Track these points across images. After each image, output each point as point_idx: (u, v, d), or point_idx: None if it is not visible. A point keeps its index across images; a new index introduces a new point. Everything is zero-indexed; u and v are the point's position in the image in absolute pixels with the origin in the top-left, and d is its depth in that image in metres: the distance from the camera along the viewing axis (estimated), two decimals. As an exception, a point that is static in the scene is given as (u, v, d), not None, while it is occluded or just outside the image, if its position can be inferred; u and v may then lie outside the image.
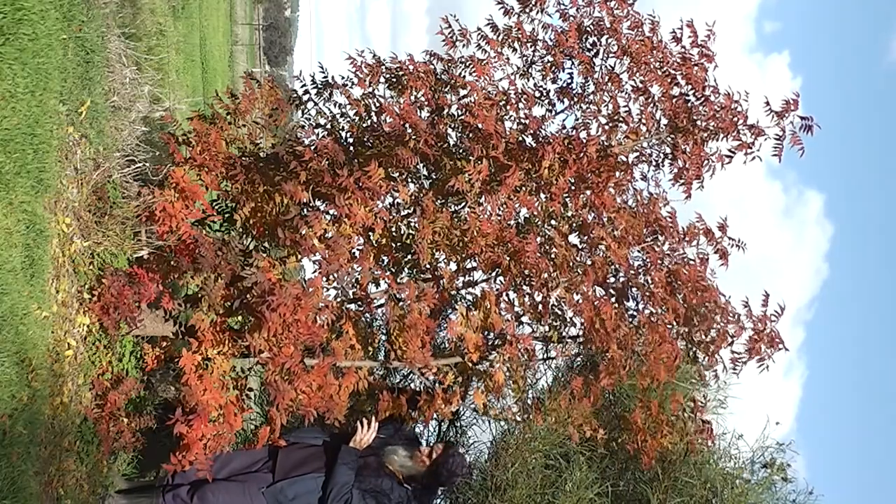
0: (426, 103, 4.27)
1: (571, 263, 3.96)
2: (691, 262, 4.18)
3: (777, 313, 4.19)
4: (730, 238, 4.24)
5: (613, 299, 4.14)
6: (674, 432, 4.22)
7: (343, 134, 4.53)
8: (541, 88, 4.45)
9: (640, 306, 4.15)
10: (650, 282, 4.05)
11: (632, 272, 4.08)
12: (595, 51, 4.34)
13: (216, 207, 4.66)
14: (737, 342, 4.19)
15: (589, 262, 4.02)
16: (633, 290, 4.14)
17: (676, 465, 4.53)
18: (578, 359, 4.92)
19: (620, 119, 4.21)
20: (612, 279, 4.20)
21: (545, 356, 4.49)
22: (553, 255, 3.95)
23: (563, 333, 4.26)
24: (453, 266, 4.26)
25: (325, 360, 3.91)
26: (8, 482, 3.36)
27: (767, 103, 4.08)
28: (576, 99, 4.39)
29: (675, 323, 4.04)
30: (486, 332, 4.14)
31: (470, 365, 4.16)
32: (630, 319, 4.08)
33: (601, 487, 4.45)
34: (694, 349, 4.22)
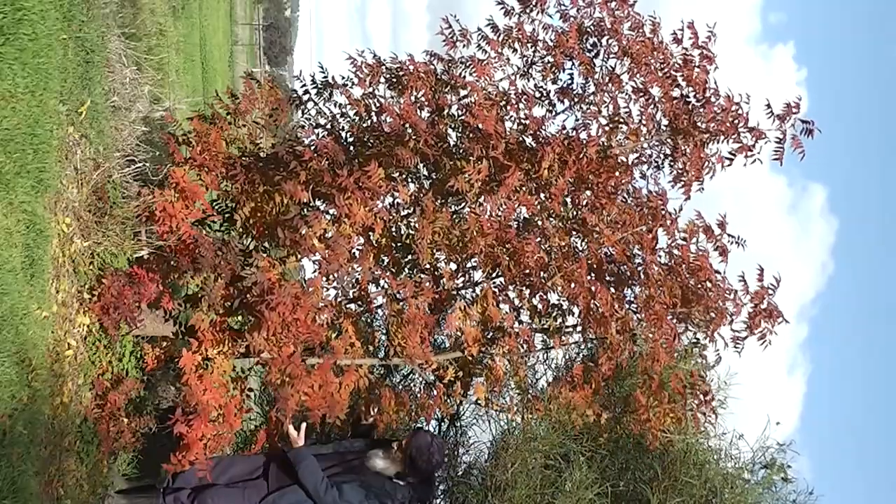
0: (426, 103, 4.27)
1: (567, 252, 3.96)
2: (684, 244, 4.17)
3: (773, 286, 4.18)
4: (729, 235, 4.22)
5: (612, 287, 4.14)
6: (676, 408, 4.21)
7: (343, 134, 4.53)
8: (541, 89, 4.45)
9: (638, 290, 4.14)
10: (645, 264, 4.04)
11: (626, 256, 4.08)
12: (595, 51, 4.34)
13: (216, 207, 4.66)
14: (737, 320, 4.18)
15: (584, 250, 4.03)
16: (630, 277, 4.14)
17: (676, 465, 4.53)
18: (578, 357, 4.92)
19: (621, 120, 4.21)
20: (610, 269, 4.20)
21: (545, 347, 4.49)
22: (551, 251, 3.95)
23: (561, 325, 4.26)
24: (453, 266, 4.26)
25: (327, 361, 3.91)
26: (8, 482, 3.36)
27: (769, 106, 4.08)
28: (576, 99, 4.39)
29: (672, 304, 4.03)
30: (485, 327, 4.15)
31: (470, 359, 4.16)
32: (628, 305, 4.08)
33: (601, 487, 4.44)
34: (694, 331, 4.21)
